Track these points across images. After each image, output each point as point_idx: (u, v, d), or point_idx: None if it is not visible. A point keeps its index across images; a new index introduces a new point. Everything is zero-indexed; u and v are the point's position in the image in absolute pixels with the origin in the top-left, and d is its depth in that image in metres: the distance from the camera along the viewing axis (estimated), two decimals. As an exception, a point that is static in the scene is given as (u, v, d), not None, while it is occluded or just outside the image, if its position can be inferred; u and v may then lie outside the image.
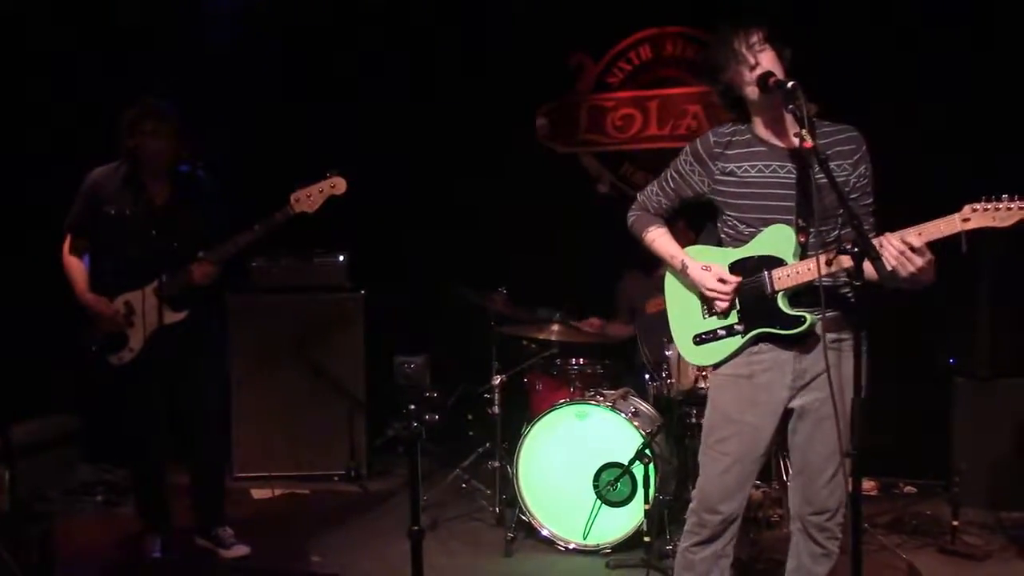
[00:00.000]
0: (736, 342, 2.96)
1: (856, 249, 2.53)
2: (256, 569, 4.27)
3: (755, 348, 2.94)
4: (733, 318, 2.96)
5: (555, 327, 4.87)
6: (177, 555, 4.25)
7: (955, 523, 4.34)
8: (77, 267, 4.22)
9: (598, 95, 6.18)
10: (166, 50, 5.74)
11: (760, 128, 2.92)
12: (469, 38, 6.01)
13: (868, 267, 2.60)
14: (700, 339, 3.03)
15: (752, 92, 2.81)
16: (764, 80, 2.74)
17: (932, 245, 2.61)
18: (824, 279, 2.77)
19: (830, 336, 2.87)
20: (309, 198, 3.97)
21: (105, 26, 5.74)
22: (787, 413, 2.96)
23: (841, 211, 2.77)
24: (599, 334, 5.20)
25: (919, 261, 2.58)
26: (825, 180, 2.75)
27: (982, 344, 4.90)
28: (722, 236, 3.05)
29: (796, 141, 2.80)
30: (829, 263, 2.71)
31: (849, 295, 2.84)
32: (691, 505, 3.07)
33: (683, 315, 3.09)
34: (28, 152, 5.55)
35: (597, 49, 6.15)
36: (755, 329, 2.92)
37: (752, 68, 2.77)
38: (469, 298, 4.92)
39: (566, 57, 6.16)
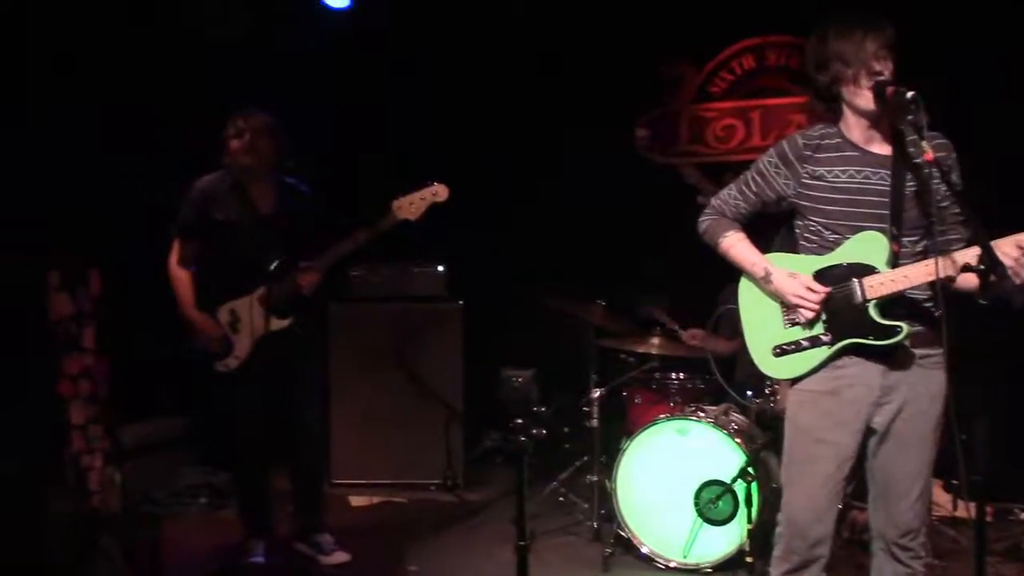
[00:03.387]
0: (822, 353, 2.81)
1: (982, 266, 2.43)
2: (355, 576, 4.30)
3: (839, 361, 2.81)
4: (819, 328, 2.82)
5: (655, 340, 4.80)
6: (279, 560, 4.32)
7: (1077, 553, 4.16)
8: (184, 282, 4.27)
9: (699, 105, 6.11)
10: (261, 54, 5.73)
11: (853, 132, 2.80)
12: (571, 47, 5.96)
13: (966, 279, 2.57)
14: (781, 350, 2.88)
15: (863, 98, 2.69)
16: (882, 89, 2.65)
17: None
18: (913, 291, 2.71)
19: (919, 352, 2.76)
20: (411, 206, 3.99)
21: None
22: (867, 431, 2.84)
23: (926, 223, 2.71)
24: (700, 348, 5.09)
25: None
26: (915, 190, 2.71)
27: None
28: (801, 243, 2.91)
29: (889, 148, 2.75)
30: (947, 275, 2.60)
31: (934, 310, 2.72)
32: (778, 530, 2.95)
33: (761, 325, 2.93)
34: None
35: (699, 59, 6.09)
36: (844, 340, 2.78)
37: (873, 74, 2.66)
38: (568, 310, 4.88)
39: (668, 66, 6.10)
